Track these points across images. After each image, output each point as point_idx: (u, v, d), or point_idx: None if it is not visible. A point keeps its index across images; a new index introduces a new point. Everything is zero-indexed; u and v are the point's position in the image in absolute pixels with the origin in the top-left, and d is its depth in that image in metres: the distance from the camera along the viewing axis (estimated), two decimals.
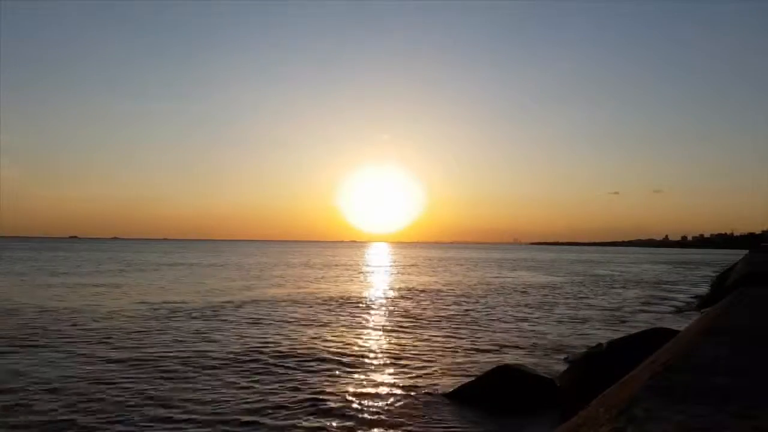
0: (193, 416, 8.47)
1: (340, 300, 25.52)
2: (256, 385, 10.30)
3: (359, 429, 8.19)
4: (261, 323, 17.81)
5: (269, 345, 14.12)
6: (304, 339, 15.13)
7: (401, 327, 17.73)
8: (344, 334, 16.24)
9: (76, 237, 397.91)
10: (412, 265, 65.50)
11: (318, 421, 8.46)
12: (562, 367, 11.52)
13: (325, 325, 17.84)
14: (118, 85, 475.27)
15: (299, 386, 10.29)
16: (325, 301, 24.98)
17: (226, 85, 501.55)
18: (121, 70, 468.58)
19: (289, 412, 8.82)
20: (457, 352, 13.77)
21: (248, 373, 11.23)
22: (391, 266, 63.33)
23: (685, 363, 4.68)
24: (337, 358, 12.84)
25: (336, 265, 61.33)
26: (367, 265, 64.30)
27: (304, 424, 8.32)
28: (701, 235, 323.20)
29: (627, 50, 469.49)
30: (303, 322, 18.17)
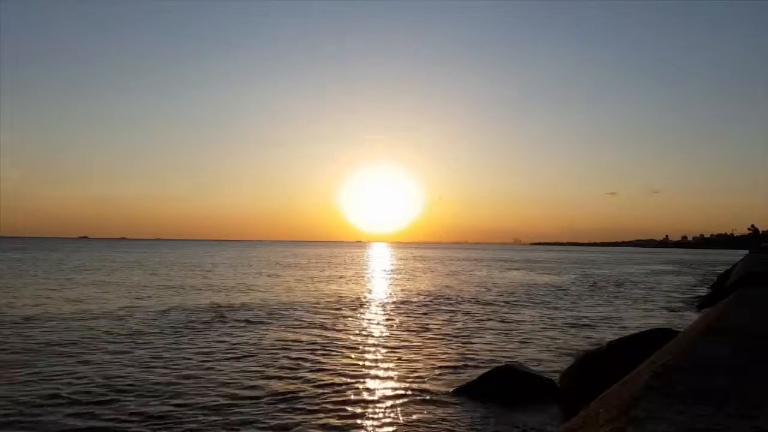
0: (196, 411, 8.49)
1: (348, 301, 25.55)
2: (259, 381, 10.32)
3: (362, 426, 8.20)
4: (277, 323, 17.82)
5: (275, 342, 14.15)
6: (309, 338, 15.15)
7: (402, 328, 17.74)
8: (348, 334, 16.25)
9: (86, 237, 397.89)
10: (415, 266, 65.49)
11: (324, 418, 8.49)
12: (562, 367, 11.51)
13: (329, 325, 17.85)
14: (119, 85, 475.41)
15: (303, 384, 10.30)
16: (335, 301, 25.01)
17: (228, 86, 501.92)
18: (123, 71, 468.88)
19: (293, 408, 8.83)
20: (457, 352, 13.77)
21: (251, 367, 11.26)
22: (394, 267, 63.32)
23: (685, 363, 4.68)
24: (339, 357, 12.87)
25: (349, 266, 61.35)
26: (374, 266, 64.32)
27: (310, 421, 8.33)
28: (701, 235, 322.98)
29: (626, 50, 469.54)
30: (310, 323, 18.18)
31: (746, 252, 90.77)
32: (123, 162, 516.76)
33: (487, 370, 10.86)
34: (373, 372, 11.64)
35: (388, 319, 19.60)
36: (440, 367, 12.01)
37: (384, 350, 13.98)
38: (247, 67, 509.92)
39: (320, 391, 10.02)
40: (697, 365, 4.58)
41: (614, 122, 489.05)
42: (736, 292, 13.18)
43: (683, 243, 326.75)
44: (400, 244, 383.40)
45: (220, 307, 21.72)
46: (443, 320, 19.38)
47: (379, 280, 40.76)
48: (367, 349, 14.12)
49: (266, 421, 8.38)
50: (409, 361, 12.70)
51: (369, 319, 19.56)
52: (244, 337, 15.24)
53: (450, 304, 24.69)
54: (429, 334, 16.33)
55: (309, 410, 8.90)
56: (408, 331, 17.03)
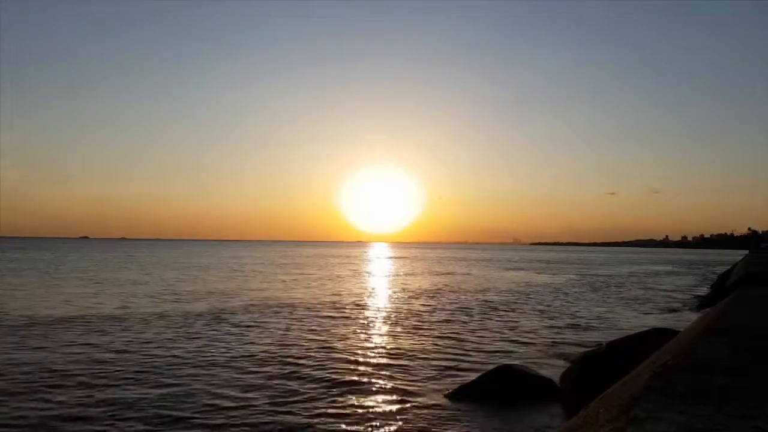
0: (199, 414, 8.47)
1: (346, 302, 25.52)
2: (255, 384, 10.30)
3: (361, 427, 8.18)
4: (274, 324, 17.81)
5: (270, 347, 14.13)
6: (307, 339, 15.13)
7: (401, 328, 17.73)
8: (346, 335, 16.23)
9: (86, 237, 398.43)
10: (415, 266, 65.48)
11: (322, 420, 8.44)
12: (562, 367, 11.51)
13: (327, 325, 17.83)
14: (119, 85, 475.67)
15: (300, 386, 10.28)
16: (333, 302, 24.98)
17: (228, 86, 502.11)
18: (123, 71, 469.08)
19: (290, 411, 8.81)
20: (457, 352, 13.75)
21: (245, 373, 11.24)
22: (394, 267, 63.30)
23: (685, 363, 4.67)
24: (338, 359, 12.84)
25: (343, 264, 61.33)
26: (374, 266, 64.32)
27: (308, 423, 8.30)
28: (701, 235, 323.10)
29: (626, 50, 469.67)
30: (308, 323, 18.16)
31: (746, 252, 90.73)
32: (123, 162, 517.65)
33: (486, 370, 10.85)
34: (371, 373, 11.61)
35: (386, 320, 19.58)
36: (439, 368, 12.00)
37: (382, 351, 13.97)
38: (247, 67, 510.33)
39: (318, 392, 10.00)
40: (697, 365, 4.57)
41: (614, 122, 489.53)
42: (736, 292, 13.16)
43: (683, 243, 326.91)
44: (400, 244, 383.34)
45: (217, 307, 21.71)
46: (442, 320, 19.36)
47: (378, 281, 40.74)
48: (365, 349, 14.10)
49: (263, 425, 8.35)
50: (408, 361, 12.68)
51: (367, 320, 19.54)
52: (241, 339, 15.22)
53: (449, 304, 24.67)
54: (428, 335, 16.31)
55: (307, 413, 8.88)
56: (407, 331, 17.02)
